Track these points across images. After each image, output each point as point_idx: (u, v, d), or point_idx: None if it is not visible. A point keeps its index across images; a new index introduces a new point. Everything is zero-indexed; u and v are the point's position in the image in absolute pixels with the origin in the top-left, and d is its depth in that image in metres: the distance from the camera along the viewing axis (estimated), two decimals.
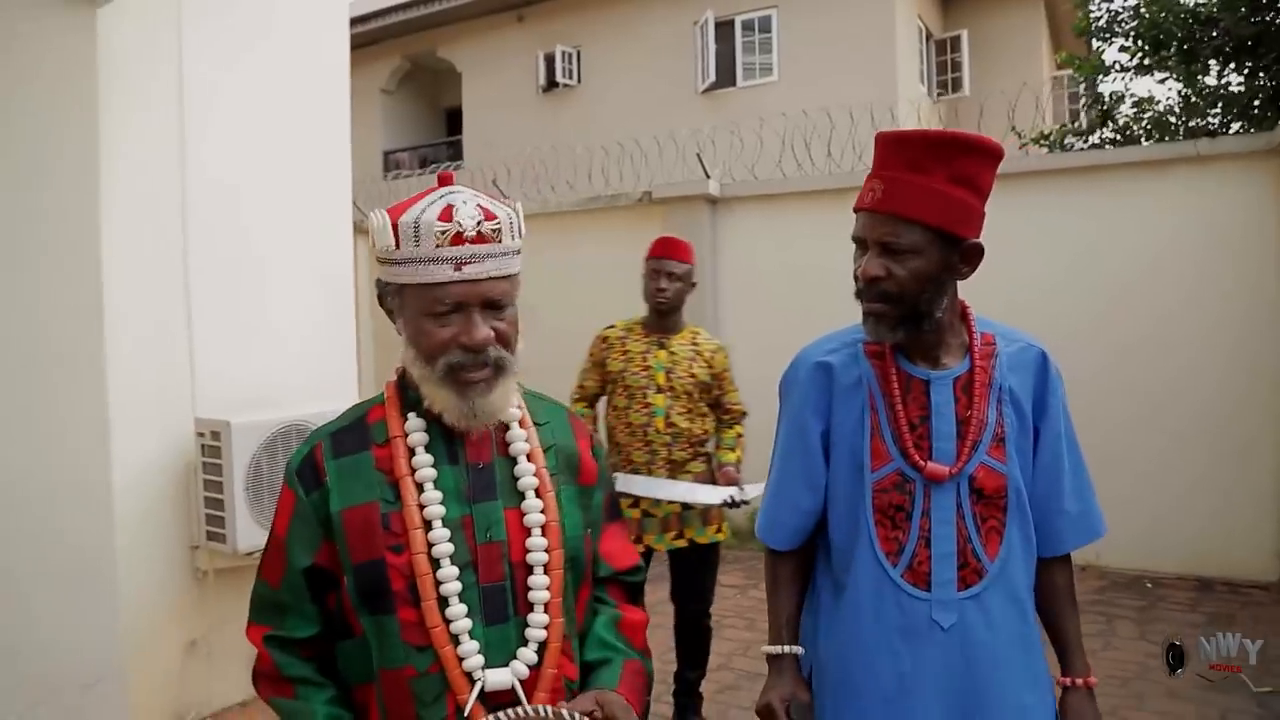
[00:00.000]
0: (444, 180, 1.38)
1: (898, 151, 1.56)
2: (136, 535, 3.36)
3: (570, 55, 14.00)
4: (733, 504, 3.40)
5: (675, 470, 3.48)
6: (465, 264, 1.29)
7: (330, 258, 4.29)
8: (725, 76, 12.92)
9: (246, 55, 3.88)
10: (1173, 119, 8.25)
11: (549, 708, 1.25)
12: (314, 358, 4.11)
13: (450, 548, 1.32)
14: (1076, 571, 1.77)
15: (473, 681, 1.30)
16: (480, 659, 1.31)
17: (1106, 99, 8.80)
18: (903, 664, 1.60)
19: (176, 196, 3.59)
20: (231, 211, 3.79)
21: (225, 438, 3.43)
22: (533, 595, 1.36)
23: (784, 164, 6.89)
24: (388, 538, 1.32)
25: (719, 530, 3.53)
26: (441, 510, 1.33)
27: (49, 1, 2.75)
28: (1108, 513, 1.72)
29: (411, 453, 1.36)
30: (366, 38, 14.31)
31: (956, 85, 13.48)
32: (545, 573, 1.36)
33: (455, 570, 1.32)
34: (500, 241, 1.33)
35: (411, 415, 1.39)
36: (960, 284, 1.63)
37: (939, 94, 13.60)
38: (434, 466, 1.36)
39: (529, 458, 1.42)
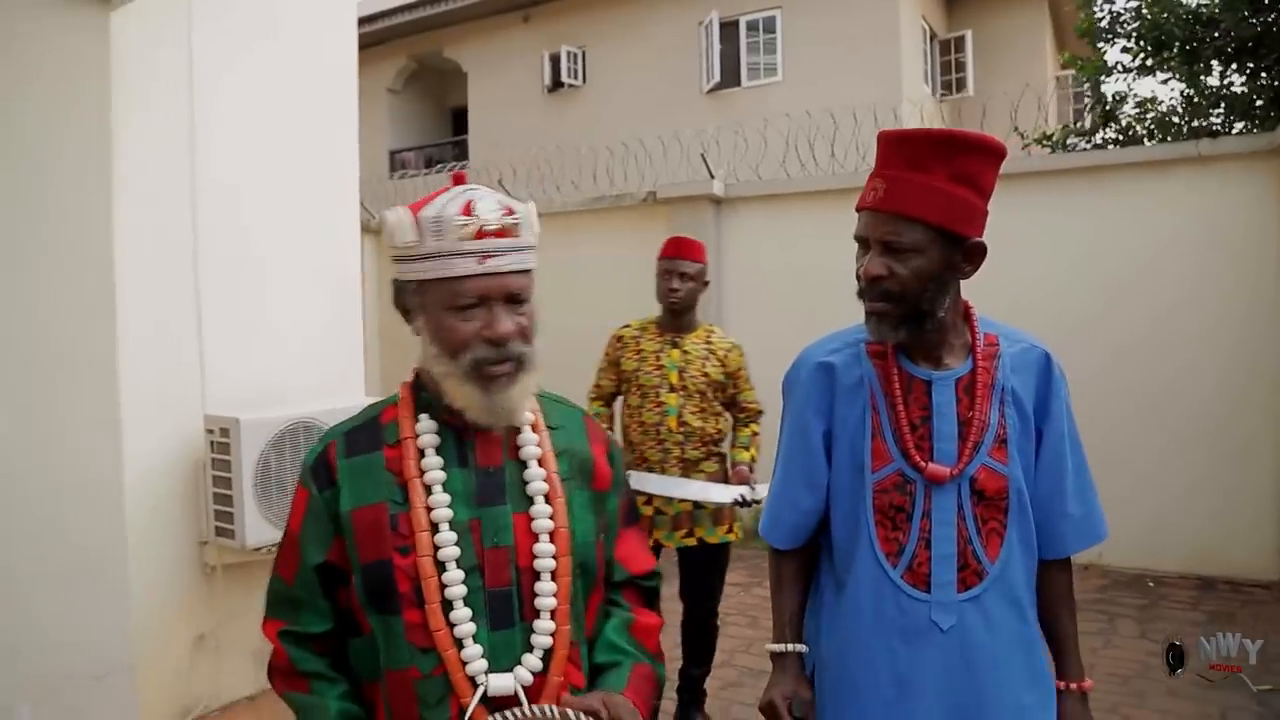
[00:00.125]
0: (458, 180, 1.38)
1: (899, 150, 1.55)
2: (146, 531, 3.39)
3: (575, 55, 14.03)
4: (743, 503, 3.41)
5: (688, 469, 3.50)
6: (488, 257, 1.30)
7: (338, 257, 4.32)
8: (730, 77, 12.93)
9: (254, 55, 3.91)
10: (1176, 119, 8.26)
11: (553, 707, 1.26)
12: (322, 356, 4.14)
13: (456, 551, 1.32)
14: (1078, 571, 1.77)
15: (475, 686, 1.30)
16: (484, 663, 1.31)
17: (1109, 99, 8.81)
18: (901, 665, 1.59)
19: (186, 196, 3.62)
20: (240, 211, 3.82)
21: (234, 435, 3.46)
22: (539, 602, 1.35)
23: (788, 164, 6.92)
24: (395, 539, 1.32)
25: (730, 531, 3.54)
26: (449, 513, 1.33)
27: (62, 3, 2.78)
28: (1108, 512, 1.72)
29: (422, 454, 1.36)
30: (373, 38, 14.34)
31: (961, 85, 13.48)
32: (553, 579, 1.36)
33: (461, 574, 1.31)
34: (520, 236, 1.34)
35: (423, 417, 1.39)
36: (962, 284, 1.62)
37: (943, 94, 13.61)
38: (444, 469, 1.36)
39: (540, 462, 1.40)
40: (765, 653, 1.77)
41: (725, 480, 3.55)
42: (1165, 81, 8.25)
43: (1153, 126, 8.38)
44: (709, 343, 3.57)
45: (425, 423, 1.38)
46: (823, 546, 1.77)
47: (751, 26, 12.90)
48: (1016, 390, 1.63)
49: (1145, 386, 5.59)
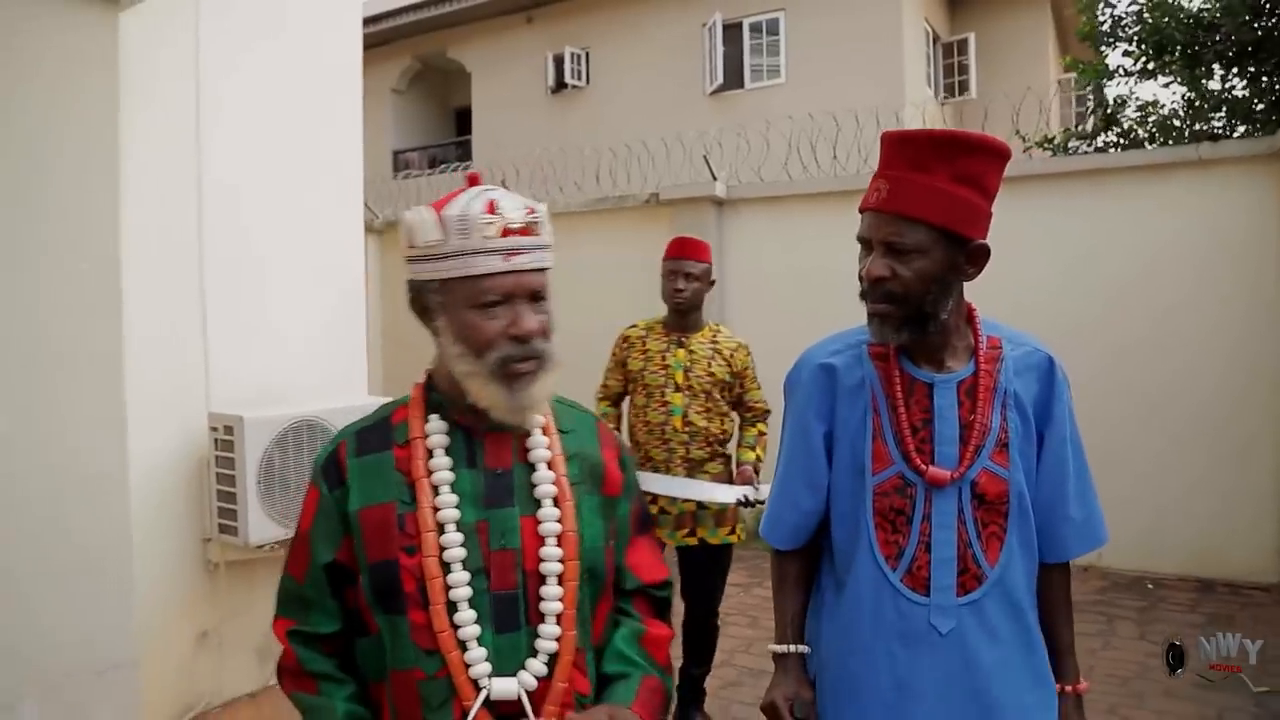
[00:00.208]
0: (473, 180, 1.39)
1: (903, 151, 1.55)
2: (150, 528, 3.40)
3: (579, 56, 14.06)
4: (746, 503, 3.41)
5: (693, 469, 3.50)
6: (514, 254, 1.31)
7: (341, 256, 4.34)
8: (733, 78, 12.96)
9: (259, 55, 3.92)
10: (1177, 122, 8.28)
11: None
12: (325, 355, 4.16)
13: (462, 552, 1.31)
14: (1078, 573, 1.77)
15: (479, 689, 1.29)
16: (487, 666, 1.30)
17: (1110, 103, 8.83)
18: (901, 668, 1.59)
19: (192, 196, 3.64)
20: (244, 211, 3.83)
21: (238, 432, 3.48)
22: (545, 606, 1.34)
23: (790, 166, 6.94)
24: (402, 539, 1.32)
25: (732, 532, 3.54)
26: (456, 514, 1.33)
27: (69, 2, 2.80)
28: (1108, 514, 1.72)
29: (430, 454, 1.36)
30: (377, 38, 14.37)
31: (963, 88, 13.50)
32: (559, 583, 1.35)
33: (466, 575, 1.31)
34: (540, 235, 1.35)
35: (434, 417, 1.39)
36: (964, 285, 1.62)
37: (946, 97, 13.63)
38: (452, 470, 1.35)
39: (549, 465, 1.40)
40: (765, 652, 1.77)
41: (729, 481, 3.55)
42: (1167, 85, 8.27)
43: (1154, 130, 8.39)
44: (715, 342, 3.58)
45: (435, 423, 1.38)
46: (824, 547, 1.76)
47: (755, 29, 12.93)
48: (1019, 393, 1.62)
49: (1145, 388, 5.61)
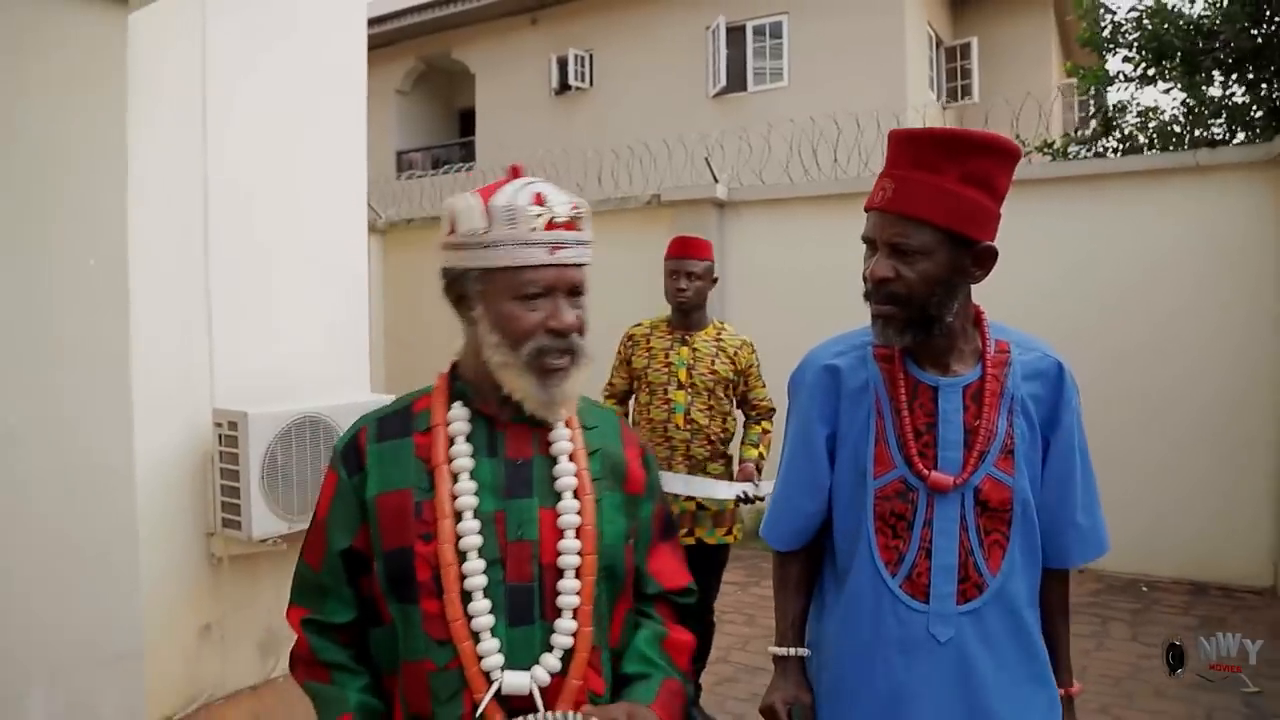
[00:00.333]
0: (516, 172, 1.38)
1: (909, 149, 1.52)
2: (155, 522, 3.44)
3: (583, 58, 14.11)
4: (746, 500, 3.42)
5: (694, 467, 3.52)
6: (558, 248, 1.30)
7: (345, 256, 4.38)
8: (736, 81, 13.01)
9: (266, 55, 3.97)
10: (1177, 128, 8.32)
11: (577, 714, 1.22)
12: (328, 353, 4.21)
13: (479, 540, 1.29)
14: (1074, 575, 1.76)
15: (490, 681, 1.27)
16: (500, 658, 1.27)
17: (1110, 108, 8.87)
18: (898, 675, 1.56)
19: (198, 194, 3.68)
20: (250, 210, 3.88)
21: (242, 428, 3.53)
22: (561, 600, 1.31)
23: (791, 169, 6.98)
24: (419, 525, 1.30)
25: (729, 533, 3.56)
26: (474, 501, 1.31)
27: (81, 3, 2.83)
28: (1106, 517, 1.70)
29: (451, 442, 1.35)
30: (382, 39, 14.43)
31: (966, 92, 13.54)
32: (576, 577, 1.32)
33: (481, 564, 1.29)
34: (583, 230, 1.35)
35: (456, 405, 1.37)
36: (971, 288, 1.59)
37: (948, 101, 13.67)
38: (472, 457, 1.34)
39: (571, 458, 1.38)
40: (761, 650, 1.77)
41: (730, 480, 3.57)
42: (1167, 91, 8.31)
43: (1154, 135, 8.43)
44: (719, 340, 3.59)
45: (458, 410, 1.37)
46: (826, 549, 1.74)
47: (758, 32, 12.98)
48: (1027, 400, 1.59)
49: (1142, 392, 5.64)
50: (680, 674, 1.42)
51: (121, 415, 2.95)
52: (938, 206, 1.46)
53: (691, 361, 3.54)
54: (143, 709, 3.01)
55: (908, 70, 11.88)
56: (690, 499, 3.48)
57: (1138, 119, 8.75)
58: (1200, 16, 7.55)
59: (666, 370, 3.56)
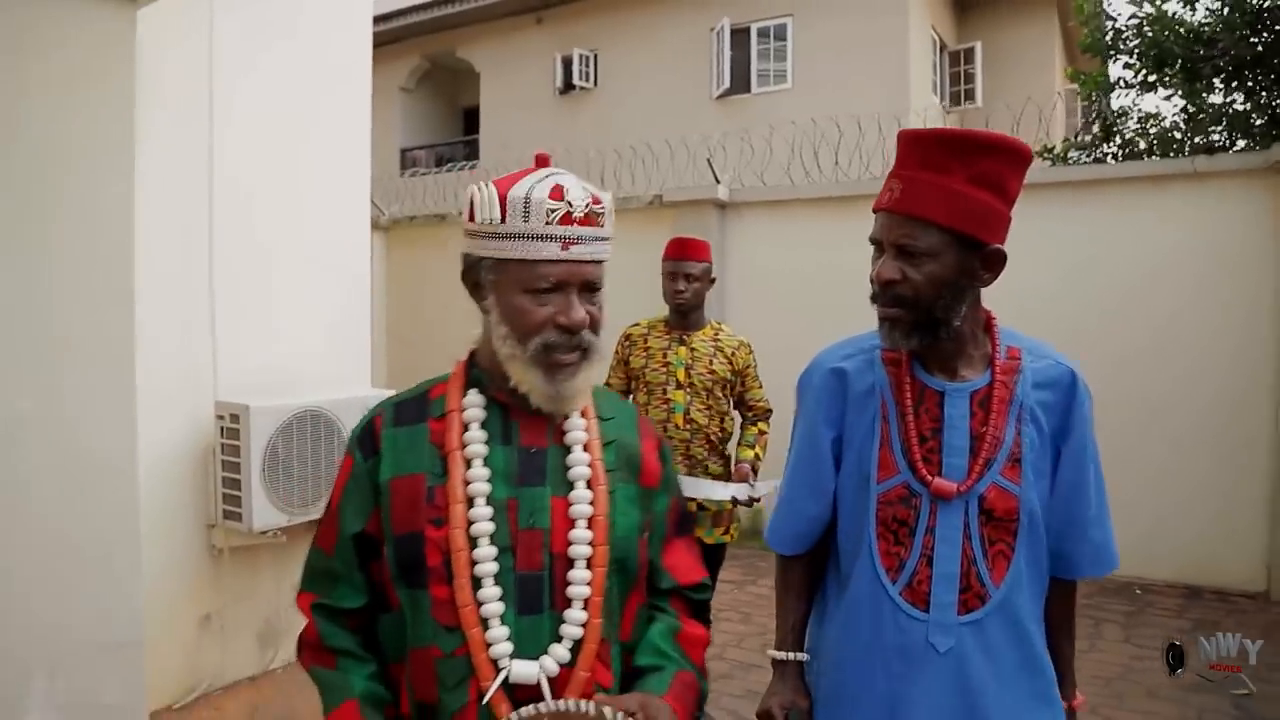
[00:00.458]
0: (541, 161, 1.38)
1: (917, 150, 1.49)
2: (157, 513, 3.48)
3: (588, 58, 14.14)
4: (741, 501, 3.43)
5: (694, 467, 3.53)
6: (571, 244, 1.29)
7: (348, 253, 4.41)
8: (740, 83, 13.03)
9: (271, 53, 4.00)
10: (1177, 135, 8.34)
11: (589, 702, 1.20)
12: (330, 348, 4.24)
13: (490, 527, 1.28)
14: None
15: (498, 670, 1.26)
16: (508, 646, 1.26)
17: (1110, 114, 8.90)
18: (896, 684, 1.54)
19: (202, 192, 3.72)
20: (254, 206, 3.91)
21: (244, 421, 3.57)
22: (572, 590, 1.29)
23: (792, 171, 7.01)
24: (430, 510, 1.29)
25: (726, 533, 3.58)
26: (486, 488, 1.30)
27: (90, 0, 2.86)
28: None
29: (466, 428, 1.34)
30: (387, 36, 14.46)
31: (969, 96, 13.56)
32: (587, 567, 1.30)
33: (492, 550, 1.27)
34: (602, 226, 1.34)
35: (472, 392, 1.37)
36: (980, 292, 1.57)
37: (951, 105, 13.69)
38: (486, 444, 1.33)
39: (585, 448, 1.36)
40: (756, 647, 1.76)
41: (728, 481, 3.58)
42: (1167, 98, 8.34)
43: (1154, 142, 8.46)
44: (717, 340, 3.60)
45: (473, 397, 1.36)
46: (830, 554, 1.73)
47: (762, 34, 13.00)
48: (1037, 408, 1.56)
49: (1141, 396, 5.66)
50: (694, 667, 1.40)
51: (125, 412, 2.97)
52: (945, 207, 1.44)
53: (690, 361, 3.56)
54: (143, 698, 3.04)
55: (911, 74, 11.91)
56: (690, 499, 3.50)
57: (1138, 125, 8.77)
58: (1200, 24, 7.57)
59: (665, 370, 3.57)
